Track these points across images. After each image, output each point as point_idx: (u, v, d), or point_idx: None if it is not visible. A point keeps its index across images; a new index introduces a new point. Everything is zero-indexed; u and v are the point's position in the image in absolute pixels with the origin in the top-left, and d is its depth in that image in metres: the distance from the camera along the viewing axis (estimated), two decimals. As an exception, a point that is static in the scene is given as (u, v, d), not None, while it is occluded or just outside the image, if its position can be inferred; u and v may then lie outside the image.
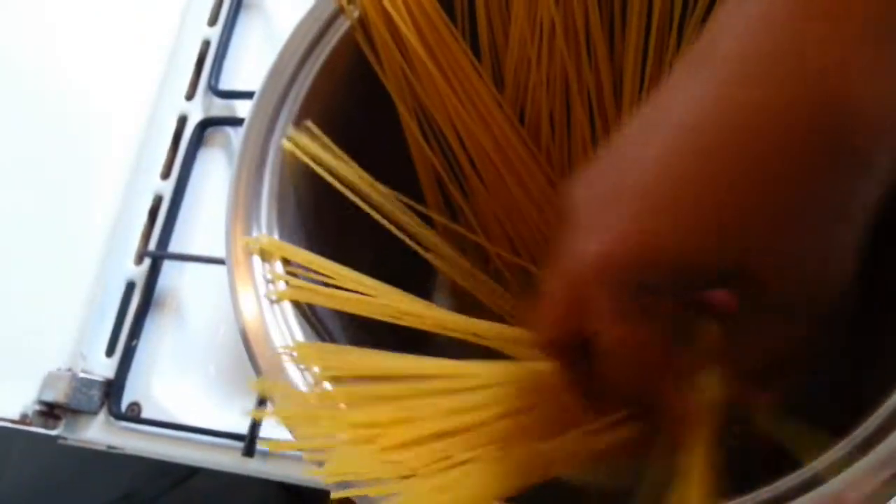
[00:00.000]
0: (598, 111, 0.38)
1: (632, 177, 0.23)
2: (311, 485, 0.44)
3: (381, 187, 0.38)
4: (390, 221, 0.39)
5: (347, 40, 0.40)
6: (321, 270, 0.36)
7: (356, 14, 0.39)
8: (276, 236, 0.38)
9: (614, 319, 0.24)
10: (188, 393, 0.51)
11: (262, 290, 0.36)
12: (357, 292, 0.36)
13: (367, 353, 0.35)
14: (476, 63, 0.38)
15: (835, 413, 0.30)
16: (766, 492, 0.26)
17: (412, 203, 0.40)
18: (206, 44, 0.61)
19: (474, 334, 0.36)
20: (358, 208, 0.39)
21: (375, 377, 0.34)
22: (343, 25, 0.40)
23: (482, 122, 0.39)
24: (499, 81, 0.40)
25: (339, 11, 0.39)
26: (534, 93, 0.38)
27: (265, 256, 0.37)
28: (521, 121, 0.39)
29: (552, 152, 0.39)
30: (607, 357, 0.25)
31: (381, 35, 0.38)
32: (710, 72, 0.22)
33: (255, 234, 0.38)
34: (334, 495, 0.30)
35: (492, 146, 0.39)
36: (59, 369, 0.52)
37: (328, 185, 0.39)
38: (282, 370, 0.34)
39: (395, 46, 0.38)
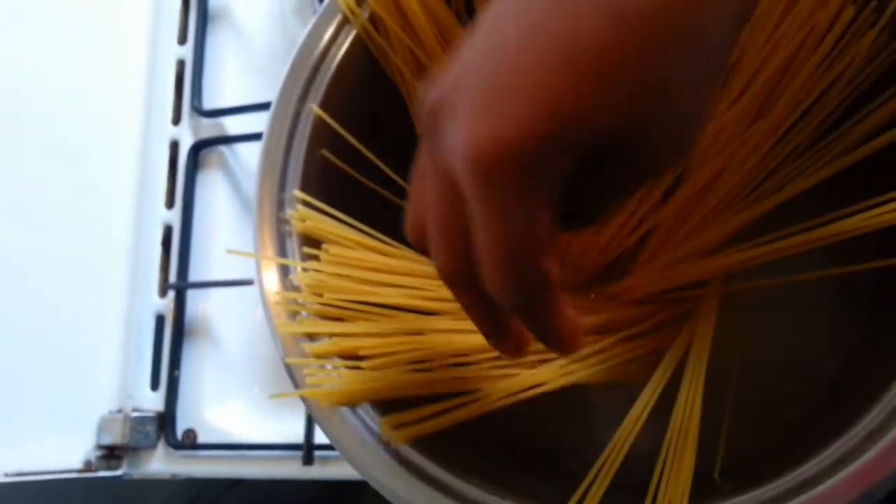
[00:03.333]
0: None
1: (514, 54, 0.22)
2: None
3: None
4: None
5: (355, 49, 0.40)
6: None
7: (366, 14, 0.38)
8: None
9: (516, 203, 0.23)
10: (238, 412, 0.54)
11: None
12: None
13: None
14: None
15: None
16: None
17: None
18: (181, 64, 0.61)
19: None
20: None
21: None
22: (350, 36, 0.39)
23: None
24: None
25: (345, 20, 0.39)
26: None
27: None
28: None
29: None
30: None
31: (394, 33, 0.38)
32: None
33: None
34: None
35: None
36: (110, 412, 0.54)
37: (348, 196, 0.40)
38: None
39: (407, 43, 0.39)
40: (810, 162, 0.35)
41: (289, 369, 0.35)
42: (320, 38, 0.38)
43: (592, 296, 0.44)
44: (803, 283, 0.39)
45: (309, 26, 0.39)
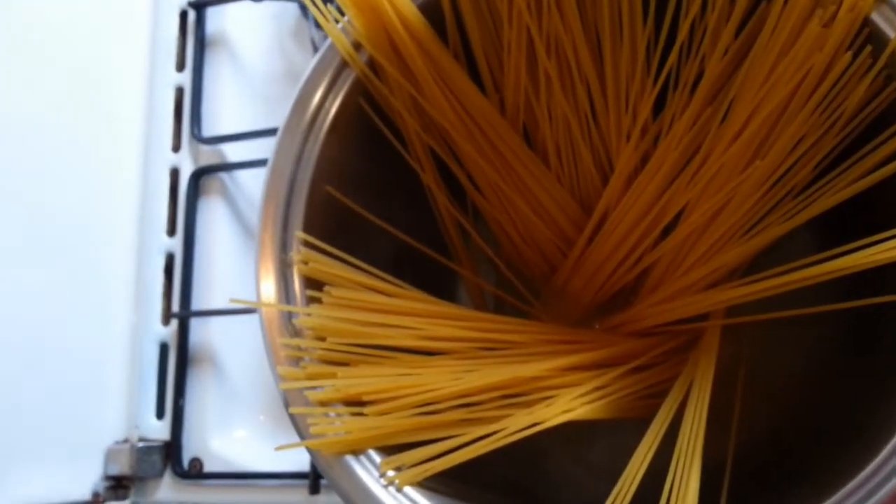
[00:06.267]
0: (602, 150, 0.40)
1: None
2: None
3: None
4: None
5: (355, 90, 0.39)
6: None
7: (365, 59, 0.38)
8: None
9: None
10: (244, 440, 0.54)
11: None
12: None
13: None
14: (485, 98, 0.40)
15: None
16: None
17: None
18: (180, 91, 0.61)
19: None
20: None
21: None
22: (350, 78, 0.39)
23: (494, 148, 0.41)
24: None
25: (344, 64, 0.39)
26: (538, 126, 0.40)
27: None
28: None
29: (561, 179, 0.41)
30: None
31: (392, 77, 0.39)
32: None
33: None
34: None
35: (504, 170, 0.41)
36: (116, 442, 0.55)
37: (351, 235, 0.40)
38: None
39: (406, 87, 0.39)
40: (808, 202, 0.35)
41: (292, 417, 0.36)
42: (320, 80, 0.38)
43: (597, 326, 0.45)
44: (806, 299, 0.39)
45: (309, 68, 0.39)
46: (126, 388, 0.56)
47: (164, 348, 0.56)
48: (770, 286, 0.36)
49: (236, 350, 0.56)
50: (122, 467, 0.54)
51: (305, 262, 0.38)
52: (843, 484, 0.31)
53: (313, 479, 0.50)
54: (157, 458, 0.54)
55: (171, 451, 0.54)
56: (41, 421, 0.52)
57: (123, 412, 0.55)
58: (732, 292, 0.38)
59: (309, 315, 0.37)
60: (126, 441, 0.55)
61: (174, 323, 0.56)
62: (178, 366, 0.55)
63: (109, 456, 0.54)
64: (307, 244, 0.38)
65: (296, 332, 0.37)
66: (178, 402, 0.55)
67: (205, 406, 0.55)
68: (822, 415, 0.41)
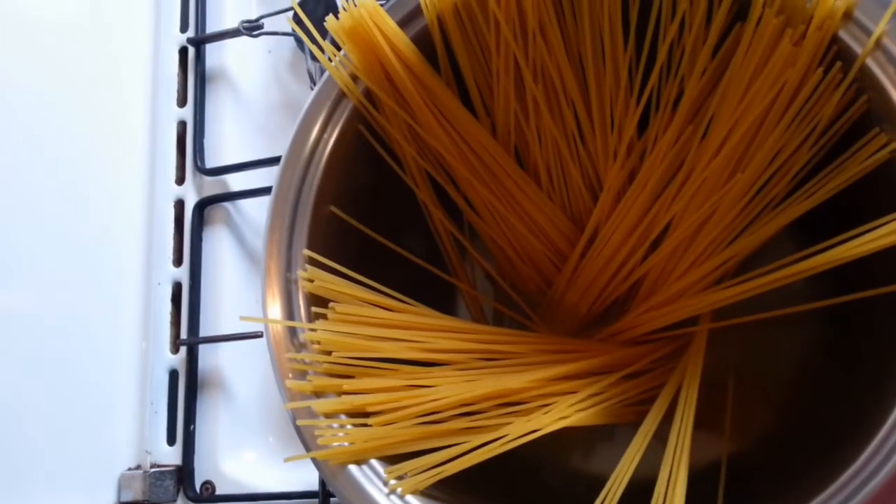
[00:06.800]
0: (591, 168, 0.42)
1: None
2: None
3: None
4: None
5: (354, 119, 0.41)
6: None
7: (362, 88, 0.40)
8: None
9: None
10: (254, 462, 0.55)
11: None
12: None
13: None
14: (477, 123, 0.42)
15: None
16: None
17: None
18: (182, 125, 0.62)
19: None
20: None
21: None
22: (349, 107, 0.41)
23: (487, 169, 0.43)
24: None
25: (341, 94, 0.41)
26: (529, 147, 0.42)
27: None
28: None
29: (553, 197, 0.43)
30: None
31: (388, 107, 0.41)
32: None
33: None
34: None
35: (498, 190, 0.43)
36: (129, 469, 0.56)
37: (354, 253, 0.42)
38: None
39: (402, 116, 0.41)
40: (789, 212, 0.37)
41: (298, 430, 0.37)
42: (320, 111, 0.40)
43: (594, 336, 0.46)
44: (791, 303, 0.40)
45: (308, 100, 0.41)
46: (137, 414, 0.57)
47: (173, 375, 0.58)
48: (756, 285, 0.38)
49: (244, 374, 0.57)
50: (135, 493, 0.55)
51: (311, 280, 0.40)
52: (827, 486, 0.32)
53: (323, 498, 0.51)
54: (169, 483, 0.55)
55: (183, 475, 0.55)
56: (54, 450, 0.54)
57: (135, 439, 0.57)
58: (721, 293, 0.39)
59: (315, 330, 0.39)
60: (139, 467, 0.56)
61: (183, 350, 0.58)
62: (187, 391, 0.57)
63: (123, 482, 0.55)
64: (312, 262, 0.40)
65: (301, 348, 0.39)
66: (188, 428, 0.56)
67: (215, 430, 0.56)
68: (808, 417, 0.42)
